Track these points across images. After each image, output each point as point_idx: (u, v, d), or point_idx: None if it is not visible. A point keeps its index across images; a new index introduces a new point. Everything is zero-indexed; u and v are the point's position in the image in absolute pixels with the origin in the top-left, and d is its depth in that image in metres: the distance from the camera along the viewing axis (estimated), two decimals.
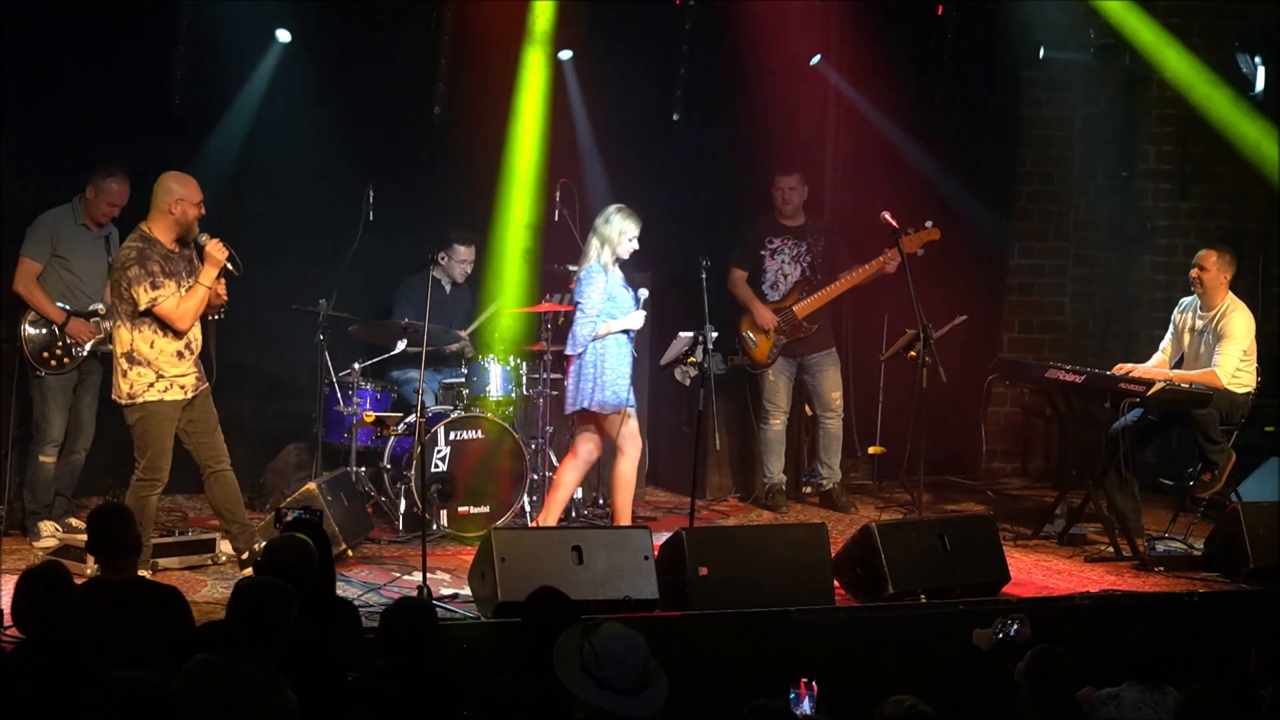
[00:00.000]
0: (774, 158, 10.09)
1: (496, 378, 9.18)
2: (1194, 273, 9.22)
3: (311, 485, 8.32)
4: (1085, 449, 9.32)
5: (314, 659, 5.33)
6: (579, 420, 8.70)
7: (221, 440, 7.93)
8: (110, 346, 7.87)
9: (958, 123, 10.77)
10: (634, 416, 8.66)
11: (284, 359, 9.82)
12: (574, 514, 9.31)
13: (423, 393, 7.96)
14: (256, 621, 4.97)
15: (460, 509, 8.97)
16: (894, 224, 9.10)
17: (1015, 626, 5.74)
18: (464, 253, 9.62)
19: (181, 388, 7.71)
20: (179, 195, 7.67)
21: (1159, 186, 11.08)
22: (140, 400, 7.65)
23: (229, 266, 7.76)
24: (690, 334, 8.20)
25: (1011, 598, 7.94)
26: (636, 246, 8.54)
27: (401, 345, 9.18)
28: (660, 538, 7.76)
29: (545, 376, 9.33)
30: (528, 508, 9.09)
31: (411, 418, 8.50)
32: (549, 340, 9.27)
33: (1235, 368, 9.02)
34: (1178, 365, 9.29)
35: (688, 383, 8.87)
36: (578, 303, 8.55)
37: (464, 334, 9.55)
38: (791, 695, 5.78)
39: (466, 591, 7.55)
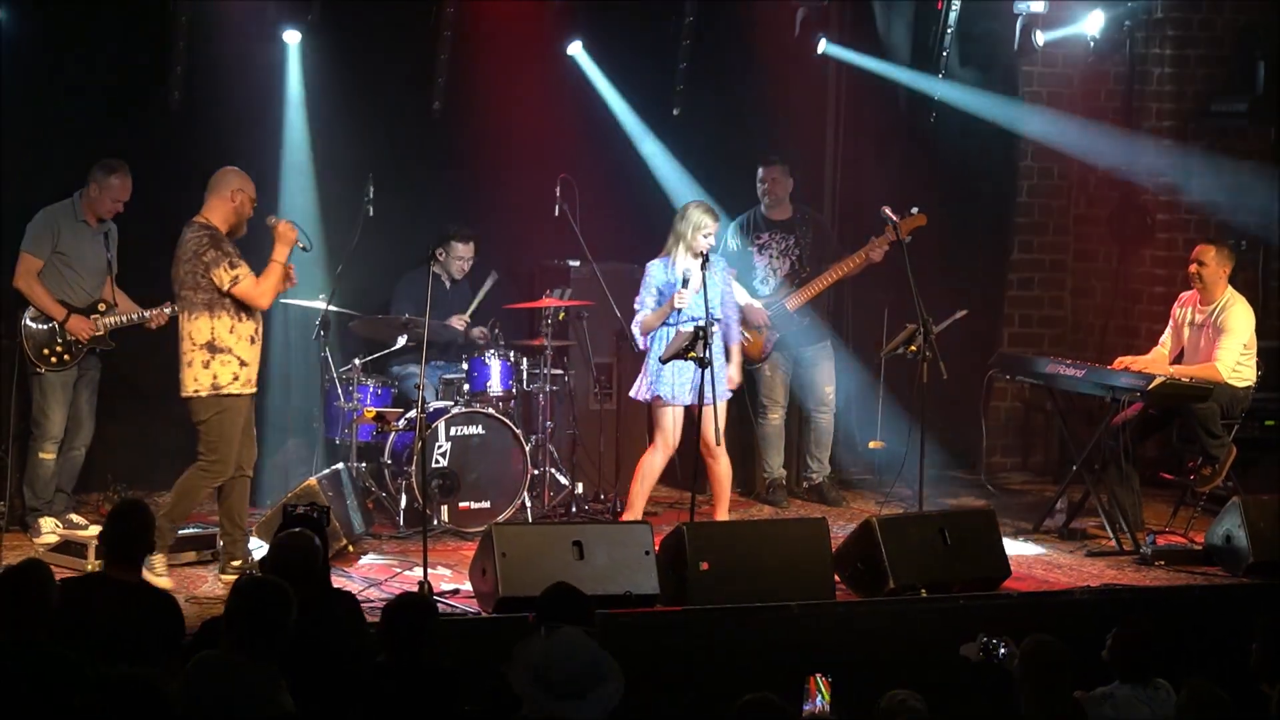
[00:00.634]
0: (777, 150, 10.08)
1: (497, 373, 9.19)
2: (1192, 268, 9.21)
3: (312, 480, 8.32)
4: (1085, 444, 9.32)
5: (314, 656, 5.33)
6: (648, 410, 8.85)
7: (254, 445, 7.96)
8: (161, 328, 7.95)
9: (957, 119, 10.74)
10: (704, 418, 8.39)
11: (284, 354, 9.80)
12: (574, 509, 9.32)
13: (423, 388, 7.96)
14: (256, 620, 4.97)
15: (461, 504, 8.98)
16: (894, 218, 9.08)
17: (1004, 650, 5.70)
18: (462, 250, 9.61)
19: (249, 380, 7.75)
20: (238, 186, 7.77)
21: (1159, 180, 11.06)
22: (225, 391, 7.64)
23: (300, 245, 7.79)
24: (692, 328, 8.20)
25: (1012, 592, 7.95)
26: (713, 242, 8.56)
27: (402, 340, 9.19)
28: (661, 532, 7.76)
29: (546, 372, 9.33)
30: (528, 503, 9.09)
31: (412, 413, 8.50)
32: (549, 335, 9.26)
33: (1236, 361, 9.02)
34: (1178, 359, 9.29)
35: None
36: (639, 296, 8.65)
37: (464, 317, 9.55)
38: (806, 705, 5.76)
39: (467, 587, 7.57)
